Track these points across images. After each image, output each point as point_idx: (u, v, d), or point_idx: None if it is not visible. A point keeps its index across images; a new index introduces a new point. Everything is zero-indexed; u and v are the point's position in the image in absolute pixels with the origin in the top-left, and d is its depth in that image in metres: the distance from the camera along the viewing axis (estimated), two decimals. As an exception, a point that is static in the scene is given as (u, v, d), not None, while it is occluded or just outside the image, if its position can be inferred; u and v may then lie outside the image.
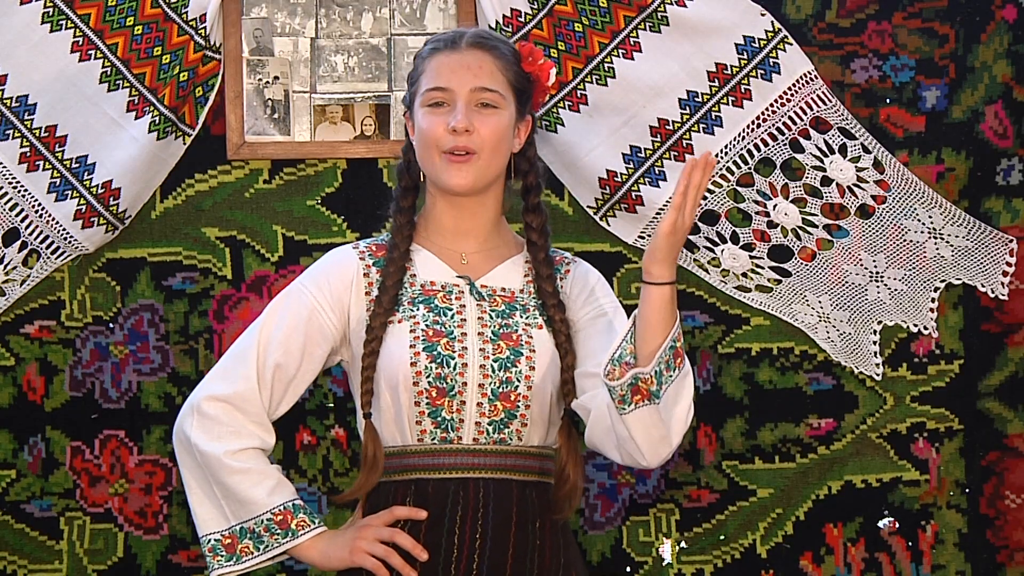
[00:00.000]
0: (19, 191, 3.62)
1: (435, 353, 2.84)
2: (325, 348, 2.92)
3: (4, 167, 3.62)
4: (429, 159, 2.88)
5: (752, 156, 3.67)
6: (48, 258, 3.68)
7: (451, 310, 2.88)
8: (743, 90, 3.64)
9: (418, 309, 2.88)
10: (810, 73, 3.65)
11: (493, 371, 2.84)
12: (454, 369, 2.83)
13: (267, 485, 2.85)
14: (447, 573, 2.81)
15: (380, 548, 2.82)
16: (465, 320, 2.87)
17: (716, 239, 3.71)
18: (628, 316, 2.77)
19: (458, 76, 2.87)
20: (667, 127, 3.65)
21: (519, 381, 2.84)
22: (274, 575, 3.68)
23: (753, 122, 3.65)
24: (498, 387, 2.84)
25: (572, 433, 2.91)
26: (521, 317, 2.89)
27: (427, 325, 2.86)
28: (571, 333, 2.92)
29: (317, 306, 2.91)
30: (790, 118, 3.66)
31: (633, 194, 3.66)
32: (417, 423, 2.85)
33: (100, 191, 3.62)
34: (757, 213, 3.70)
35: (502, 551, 2.82)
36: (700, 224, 3.70)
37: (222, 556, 2.87)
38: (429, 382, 2.83)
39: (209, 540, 2.88)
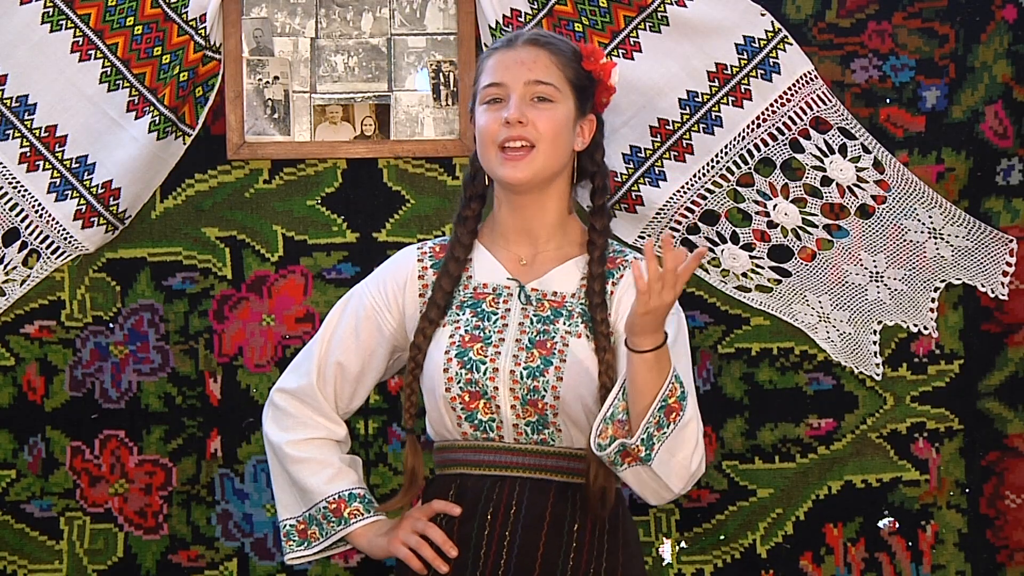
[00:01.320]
0: (19, 191, 3.62)
1: (466, 359, 2.86)
2: (386, 347, 3.00)
3: (4, 167, 3.62)
4: (486, 155, 2.89)
5: (752, 156, 3.67)
6: (48, 258, 3.68)
7: (496, 314, 2.89)
8: (743, 90, 3.64)
9: (464, 313, 2.90)
10: (810, 73, 3.65)
11: (522, 378, 2.85)
12: (484, 374, 2.85)
13: (326, 474, 2.94)
14: (475, 567, 2.84)
15: (414, 539, 2.88)
16: (507, 325, 2.88)
17: (716, 239, 3.71)
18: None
19: (512, 71, 2.87)
20: (667, 127, 3.64)
21: (546, 391, 2.84)
22: (274, 575, 3.68)
23: (753, 122, 3.65)
24: (526, 394, 2.85)
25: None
26: (564, 324, 2.88)
27: (467, 330, 2.88)
28: (615, 338, 2.90)
29: (375, 306, 2.98)
30: (790, 118, 3.66)
31: (633, 194, 3.66)
32: (457, 424, 2.88)
33: (100, 191, 3.62)
34: (757, 213, 3.70)
35: (532, 549, 2.83)
36: (700, 224, 3.70)
37: (294, 541, 2.99)
38: (460, 387, 2.86)
39: (285, 525, 3.00)
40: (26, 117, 3.61)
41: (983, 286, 3.71)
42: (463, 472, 2.90)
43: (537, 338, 2.87)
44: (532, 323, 2.88)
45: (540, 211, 2.92)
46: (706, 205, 3.68)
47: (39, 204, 3.62)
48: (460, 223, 2.97)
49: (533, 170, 2.86)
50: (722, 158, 3.66)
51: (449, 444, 2.93)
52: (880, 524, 3.74)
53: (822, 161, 3.68)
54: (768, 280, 3.72)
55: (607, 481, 2.84)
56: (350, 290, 3.03)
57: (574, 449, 2.87)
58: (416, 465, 2.97)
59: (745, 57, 3.63)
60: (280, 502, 3.02)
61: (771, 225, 3.70)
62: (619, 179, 3.66)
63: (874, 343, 3.71)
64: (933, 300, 3.71)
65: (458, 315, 2.90)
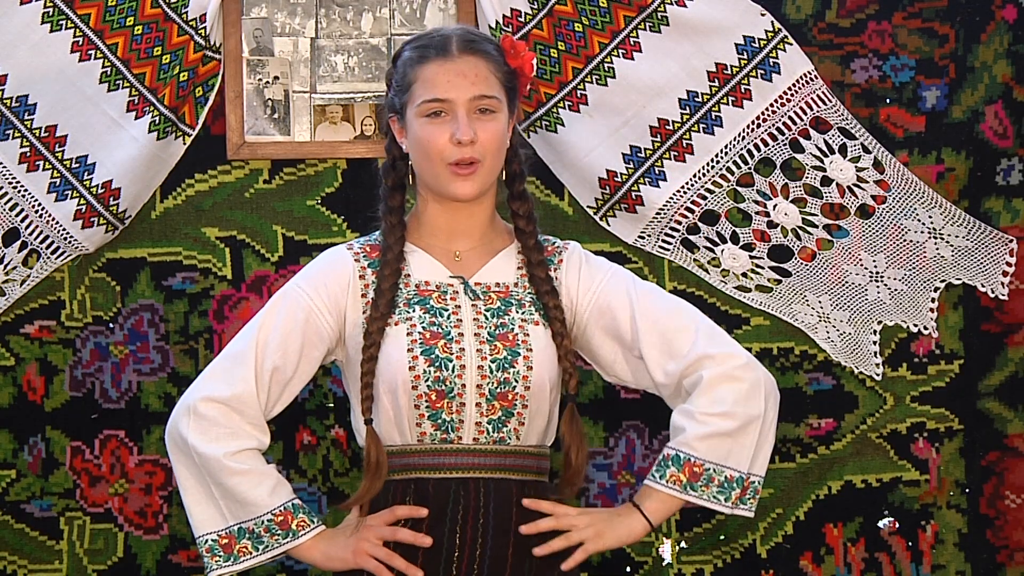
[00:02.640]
0: (19, 191, 3.62)
1: (433, 356, 2.84)
2: (322, 350, 2.93)
3: (4, 167, 3.62)
4: (431, 170, 2.87)
5: (752, 156, 3.67)
6: (48, 258, 3.68)
7: (447, 311, 2.88)
8: (743, 90, 3.64)
9: (414, 311, 2.88)
10: (810, 73, 3.65)
11: (491, 372, 2.85)
12: (452, 371, 2.84)
13: (267, 485, 2.86)
14: (448, 571, 2.81)
15: (383, 550, 2.83)
16: (461, 320, 2.88)
17: (716, 239, 3.71)
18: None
19: (455, 86, 2.86)
20: (667, 127, 3.64)
21: (517, 381, 2.85)
22: (274, 575, 3.68)
23: (753, 122, 3.65)
24: (496, 387, 2.85)
25: (575, 419, 2.92)
26: (517, 313, 2.90)
27: (424, 327, 2.86)
28: (577, 328, 2.93)
29: (314, 308, 2.91)
30: (790, 118, 3.66)
31: (633, 194, 3.66)
32: (417, 425, 2.86)
33: (100, 191, 3.62)
34: (757, 213, 3.70)
35: (503, 549, 2.83)
36: (700, 224, 3.70)
37: (220, 556, 2.88)
38: (428, 385, 2.84)
39: (206, 540, 2.88)
40: (26, 117, 3.61)
41: (983, 286, 3.71)
42: (420, 476, 2.86)
43: (497, 331, 2.87)
44: (487, 317, 2.88)
45: (475, 211, 2.94)
46: (706, 205, 3.68)
47: (39, 204, 3.62)
48: (389, 213, 2.95)
49: (482, 183, 2.87)
50: (722, 158, 3.66)
51: (400, 448, 2.88)
52: (880, 524, 3.74)
53: (822, 161, 3.68)
54: (768, 280, 3.72)
55: (580, 461, 2.90)
56: (279, 292, 2.94)
57: (529, 447, 2.89)
58: (380, 456, 2.87)
59: (745, 57, 3.63)
60: (196, 517, 2.89)
61: (771, 225, 3.70)
62: (619, 179, 3.66)
63: (874, 343, 3.71)
64: (933, 300, 3.71)
65: (408, 312, 2.88)
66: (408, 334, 2.86)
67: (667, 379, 2.90)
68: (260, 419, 2.89)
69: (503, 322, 2.88)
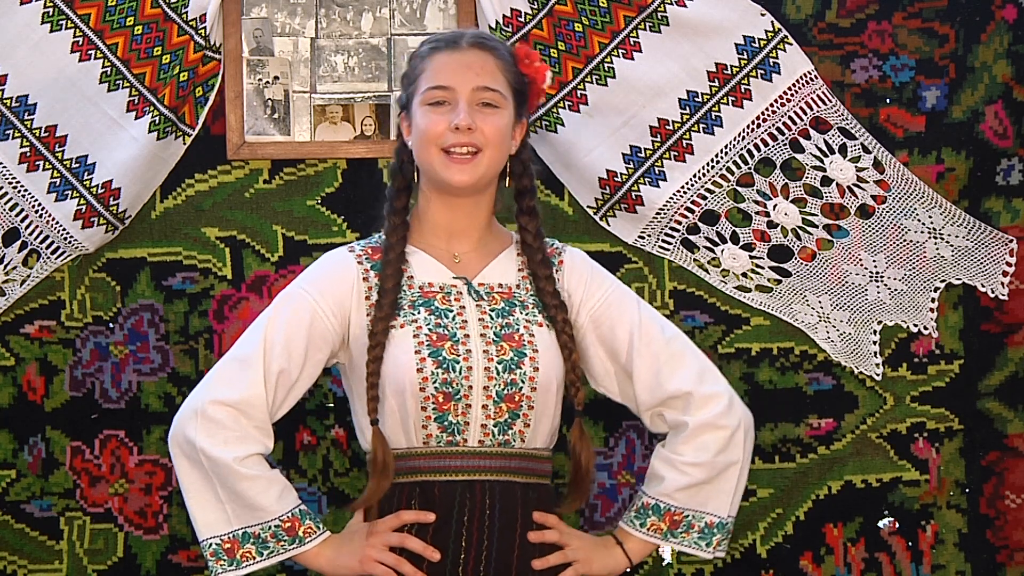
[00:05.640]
0: (19, 191, 3.62)
1: (440, 358, 2.84)
2: (326, 352, 2.94)
3: (4, 167, 3.62)
4: (428, 157, 2.88)
5: (752, 156, 3.67)
6: (48, 258, 3.68)
7: (451, 311, 2.89)
8: (743, 90, 3.64)
9: (419, 312, 2.88)
10: (810, 73, 3.66)
11: (498, 373, 2.85)
12: (459, 373, 2.84)
13: (276, 491, 2.86)
14: (454, 574, 2.82)
15: (391, 557, 2.83)
16: (467, 322, 2.88)
17: (716, 239, 3.71)
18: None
19: (460, 75, 2.87)
20: (667, 127, 3.65)
21: (523, 382, 2.85)
22: (274, 575, 3.68)
23: (753, 122, 3.65)
24: (503, 389, 2.85)
25: (584, 434, 2.94)
26: (521, 314, 2.90)
27: (430, 329, 2.86)
28: (575, 333, 2.94)
29: (318, 310, 2.91)
30: (790, 118, 3.66)
31: (633, 194, 3.66)
32: (423, 427, 2.86)
33: (100, 191, 3.62)
34: (757, 213, 3.70)
35: (508, 552, 2.83)
36: (700, 224, 3.70)
37: (224, 560, 2.88)
38: (436, 387, 2.84)
39: (210, 544, 2.88)
40: (26, 117, 3.61)
41: (983, 286, 3.71)
42: (426, 479, 2.86)
43: (502, 332, 2.88)
44: (492, 317, 2.89)
45: (475, 211, 2.94)
46: (706, 205, 3.69)
47: (39, 204, 3.62)
48: (393, 213, 2.96)
49: (478, 174, 2.88)
50: (722, 158, 3.66)
51: (405, 451, 2.88)
52: (880, 524, 3.74)
53: (822, 161, 3.68)
54: (768, 280, 3.72)
55: (590, 469, 2.92)
56: (282, 293, 2.95)
57: (534, 450, 2.90)
58: (387, 456, 2.87)
59: (745, 57, 3.63)
60: (199, 520, 2.88)
61: (771, 225, 3.70)
62: (619, 179, 3.66)
63: (874, 343, 3.71)
64: (933, 300, 3.71)
65: (413, 314, 2.88)
66: (415, 336, 2.86)
67: (650, 401, 2.97)
68: (266, 423, 2.89)
69: (508, 322, 2.89)
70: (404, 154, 2.96)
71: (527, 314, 2.91)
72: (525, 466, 2.89)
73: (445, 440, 2.86)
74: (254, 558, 2.87)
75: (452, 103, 2.87)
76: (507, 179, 2.97)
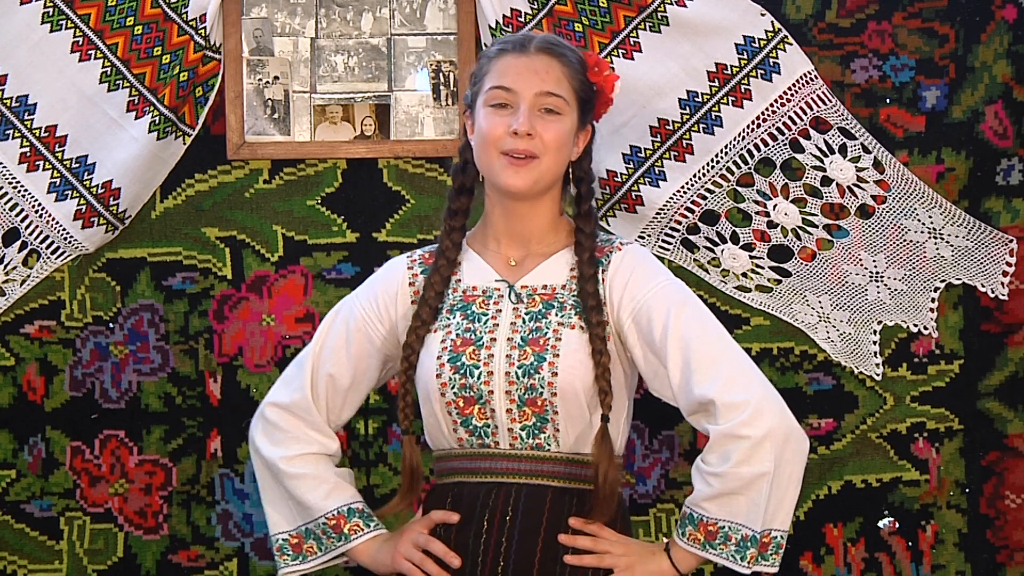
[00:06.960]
0: (19, 191, 3.62)
1: (458, 364, 2.86)
2: (377, 358, 3.01)
3: (4, 167, 3.62)
4: (487, 158, 2.88)
5: (752, 156, 3.67)
6: (48, 258, 3.68)
7: (486, 315, 2.89)
8: (743, 90, 3.64)
9: (454, 317, 2.90)
10: (810, 73, 3.65)
11: (518, 378, 2.85)
12: (478, 379, 2.85)
13: (322, 490, 2.95)
14: (472, 574, 2.83)
15: (417, 555, 2.89)
16: (498, 325, 2.88)
17: (716, 239, 3.71)
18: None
19: (524, 79, 2.87)
20: (667, 127, 3.65)
21: (543, 387, 2.84)
22: (274, 575, 3.68)
23: (753, 122, 3.65)
24: (524, 393, 2.85)
25: (606, 438, 2.89)
26: (556, 316, 2.88)
27: (458, 334, 2.88)
28: (613, 333, 2.91)
29: (365, 317, 2.98)
30: (790, 118, 3.66)
31: (633, 194, 3.66)
32: (453, 431, 2.89)
33: (100, 191, 3.62)
34: (757, 213, 3.70)
35: (528, 555, 2.83)
36: (700, 224, 3.70)
37: (289, 555, 3.00)
38: (455, 392, 2.86)
39: (278, 540, 3.01)
40: (26, 117, 3.61)
41: (983, 286, 3.71)
42: (460, 480, 2.91)
43: (529, 336, 2.87)
44: (524, 321, 2.89)
45: (534, 216, 2.94)
46: (706, 205, 3.69)
47: (39, 204, 3.62)
48: (450, 216, 2.97)
49: (533, 178, 2.87)
50: (722, 158, 3.66)
51: (446, 452, 2.94)
52: (880, 524, 3.74)
53: (822, 161, 3.68)
54: (768, 280, 3.72)
55: (616, 482, 2.87)
56: (340, 301, 3.04)
57: (570, 454, 2.88)
58: (416, 465, 2.97)
59: (745, 57, 3.63)
60: (271, 517, 3.02)
61: (771, 225, 3.70)
62: (619, 179, 3.66)
63: (874, 343, 3.71)
64: (933, 300, 3.71)
65: (448, 319, 2.91)
66: (442, 342, 2.88)
67: (685, 407, 2.88)
68: (323, 424, 2.99)
69: (539, 326, 2.88)
70: (468, 153, 2.96)
71: (563, 316, 2.88)
72: (561, 470, 2.87)
73: (476, 443, 2.89)
74: (316, 553, 2.98)
75: (514, 106, 2.86)
76: (570, 184, 2.96)
